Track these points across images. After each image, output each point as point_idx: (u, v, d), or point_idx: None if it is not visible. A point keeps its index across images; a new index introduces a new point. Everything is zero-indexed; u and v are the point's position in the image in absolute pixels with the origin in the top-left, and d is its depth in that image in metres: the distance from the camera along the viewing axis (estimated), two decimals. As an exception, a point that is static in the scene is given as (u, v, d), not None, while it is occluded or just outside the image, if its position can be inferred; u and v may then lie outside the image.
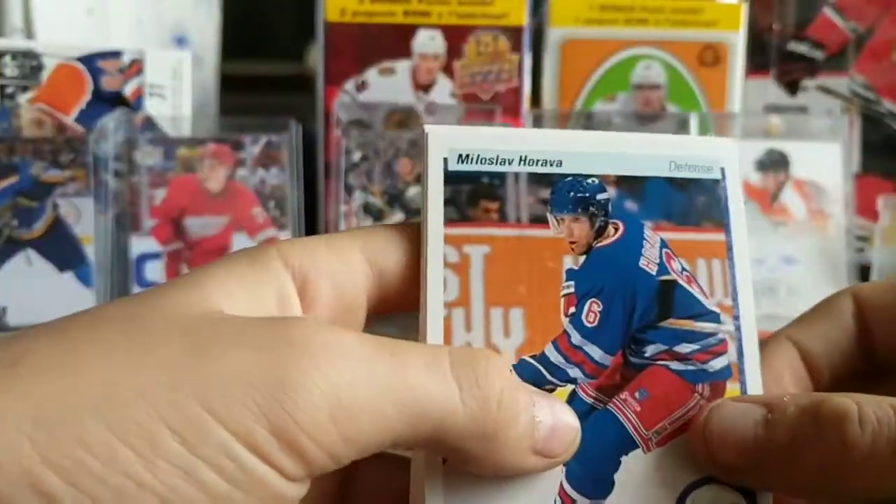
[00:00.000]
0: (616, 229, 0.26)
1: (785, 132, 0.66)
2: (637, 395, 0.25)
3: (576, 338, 0.25)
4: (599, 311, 0.25)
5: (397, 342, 0.22)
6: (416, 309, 0.24)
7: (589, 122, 0.65)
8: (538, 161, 0.25)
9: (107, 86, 0.60)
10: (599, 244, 0.25)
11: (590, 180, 0.26)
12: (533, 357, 0.24)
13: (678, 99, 0.66)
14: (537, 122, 0.64)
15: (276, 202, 0.60)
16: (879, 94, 0.69)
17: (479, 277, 0.25)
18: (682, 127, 0.64)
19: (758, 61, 0.71)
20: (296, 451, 0.19)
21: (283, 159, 0.60)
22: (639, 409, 0.25)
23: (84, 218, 0.57)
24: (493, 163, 0.25)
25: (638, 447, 0.25)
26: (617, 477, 0.24)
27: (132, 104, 0.60)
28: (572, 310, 0.25)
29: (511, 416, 0.22)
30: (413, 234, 0.25)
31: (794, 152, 0.64)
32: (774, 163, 0.64)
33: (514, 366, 0.24)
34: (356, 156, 0.62)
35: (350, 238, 0.24)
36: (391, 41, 0.64)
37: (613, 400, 0.25)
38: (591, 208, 0.26)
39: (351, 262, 0.24)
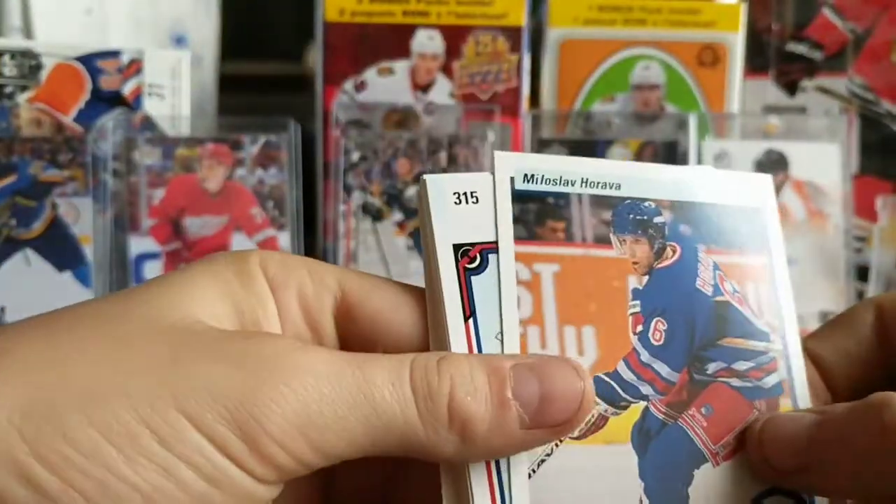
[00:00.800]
0: (674, 251, 0.27)
1: (783, 133, 0.66)
2: (703, 410, 0.26)
3: (645, 355, 0.26)
4: (664, 330, 0.26)
5: (366, 358, 0.22)
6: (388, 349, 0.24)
7: (588, 122, 0.65)
8: (599, 183, 0.27)
9: (105, 85, 0.60)
10: (659, 265, 0.27)
11: (647, 204, 0.27)
12: (607, 374, 0.25)
13: (677, 99, 0.66)
14: (536, 123, 0.64)
15: (274, 202, 0.60)
16: (878, 94, 0.70)
17: (551, 295, 0.25)
18: (680, 127, 0.64)
19: (756, 62, 0.71)
20: (266, 458, 0.21)
21: (281, 159, 0.60)
22: (705, 424, 0.26)
23: (83, 218, 0.57)
24: (557, 183, 0.26)
25: (707, 461, 0.26)
26: (690, 490, 0.25)
27: (131, 104, 0.60)
28: (640, 328, 0.26)
29: (467, 416, 0.22)
30: (398, 285, 0.25)
31: (793, 153, 0.64)
32: (773, 163, 0.64)
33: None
34: (355, 156, 0.62)
35: (329, 266, 0.25)
36: (390, 41, 0.64)
37: (682, 416, 0.26)
38: (650, 230, 0.27)
39: (321, 281, 0.24)
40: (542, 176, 0.26)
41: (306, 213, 0.61)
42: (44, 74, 0.59)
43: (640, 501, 0.25)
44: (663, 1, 0.65)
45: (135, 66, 0.60)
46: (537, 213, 0.26)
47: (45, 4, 0.61)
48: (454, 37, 0.64)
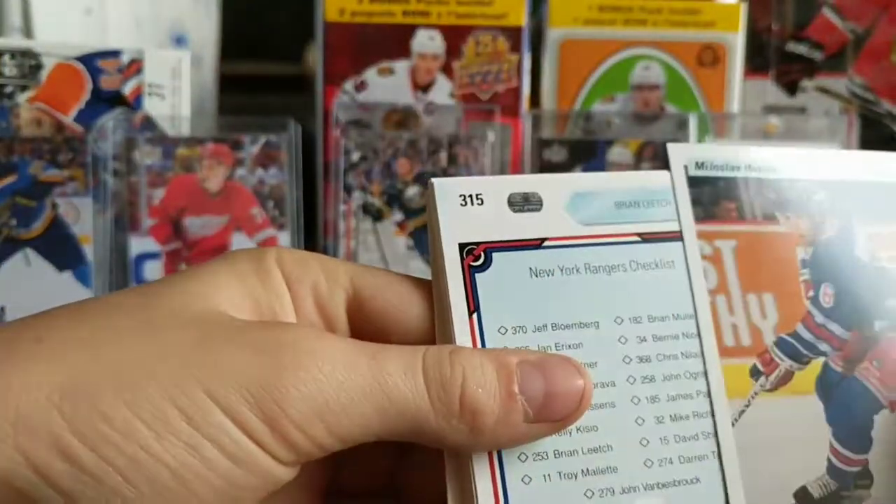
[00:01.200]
0: (833, 224, 0.30)
1: (783, 133, 0.66)
2: (875, 363, 0.29)
3: (819, 317, 0.29)
4: (833, 294, 0.30)
5: (379, 347, 0.24)
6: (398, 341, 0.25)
7: (588, 122, 0.65)
8: (760, 167, 0.30)
9: (106, 85, 0.60)
10: (822, 236, 0.30)
11: (806, 183, 0.30)
12: (788, 335, 0.29)
13: (677, 99, 0.66)
14: (536, 123, 0.64)
15: (275, 202, 0.60)
16: (878, 94, 0.70)
17: (733, 268, 0.29)
18: (681, 127, 0.64)
19: (756, 62, 0.71)
20: (285, 440, 0.22)
21: (282, 159, 0.60)
22: (878, 375, 0.29)
23: (83, 217, 0.57)
24: (724, 169, 0.30)
25: (884, 407, 0.29)
26: (874, 434, 0.29)
27: (131, 104, 0.60)
28: (811, 293, 0.29)
29: (476, 408, 0.23)
30: (407, 280, 0.27)
31: (793, 153, 0.64)
32: (773, 163, 0.64)
33: (774, 342, 0.28)
34: (355, 156, 0.62)
35: (342, 262, 0.27)
36: (390, 41, 0.64)
37: (857, 368, 0.29)
38: (810, 207, 0.30)
39: (334, 277, 0.26)
40: (711, 163, 0.29)
41: (306, 213, 0.61)
42: (44, 74, 0.59)
43: (831, 443, 0.28)
44: (663, 1, 0.65)
45: (135, 66, 0.60)
46: (711, 195, 0.29)
47: (44, 4, 0.61)
48: (454, 37, 0.64)
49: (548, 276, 0.27)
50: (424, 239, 0.61)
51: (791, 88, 0.72)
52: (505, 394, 0.23)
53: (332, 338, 0.23)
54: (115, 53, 0.60)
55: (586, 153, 0.63)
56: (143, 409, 0.21)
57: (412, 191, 0.62)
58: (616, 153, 0.64)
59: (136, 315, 0.23)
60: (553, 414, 0.24)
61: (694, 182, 0.29)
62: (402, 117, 0.64)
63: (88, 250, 0.57)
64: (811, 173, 0.31)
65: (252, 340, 0.22)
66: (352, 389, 0.22)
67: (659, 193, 0.29)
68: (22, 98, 0.58)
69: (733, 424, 0.27)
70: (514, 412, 0.24)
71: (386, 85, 0.64)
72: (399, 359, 0.23)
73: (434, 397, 0.23)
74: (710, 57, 0.66)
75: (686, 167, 0.29)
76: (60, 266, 0.57)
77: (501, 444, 0.24)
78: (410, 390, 0.23)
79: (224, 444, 0.21)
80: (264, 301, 0.25)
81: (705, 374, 0.27)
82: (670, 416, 0.26)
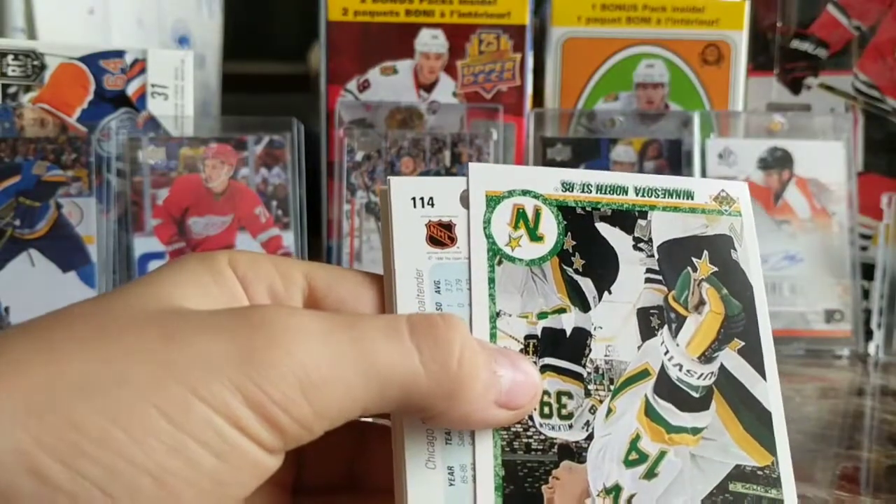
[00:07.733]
0: None
1: (788, 131, 0.66)
2: None
3: None
4: None
5: (356, 316, 0.23)
6: None
7: (591, 120, 0.65)
8: None
9: (109, 85, 0.60)
10: None
11: None
12: None
13: (681, 97, 0.66)
14: (539, 121, 0.64)
15: (278, 202, 0.60)
16: (883, 91, 0.69)
17: None
18: (684, 126, 0.64)
19: (761, 60, 0.71)
20: (272, 424, 0.21)
21: (285, 159, 0.60)
22: None
23: (87, 218, 0.57)
24: None
25: None
26: None
27: (135, 104, 0.60)
28: None
29: (472, 372, 0.23)
30: (360, 275, 0.26)
31: (798, 151, 0.64)
32: (778, 161, 0.64)
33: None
34: (358, 155, 0.62)
35: (295, 261, 0.26)
36: (393, 40, 0.64)
37: None
38: None
39: (288, 276, 0.25)
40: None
41: (310, 212, 0.61)
42: (47, 75, 0.59)
43: None
44: (667, -1, 0.65)
45: (138, 66, 0.60)
46: None
47: (47, 5, 0.61)
48: (457, 36, 0.64)
49: None
50: (428, 238, 0.61)
51: (795, 86, 0.71)
52: (490, 367, 0.23)
53: (304, 312, 0.23)
54: (118, 54, 0.60)
55: (590, 151, 0.63)
56: (120, 413, 0.19)
57: (416, 190, 0.62)
58: (620, 152, 0.63)
59: (91, 322, 0.21)
60: (516, 402, 0.24)
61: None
62: (405, 116, 0.64)
63: (92, 250, 0.57)
64: None
65: (220, 324, 0.21)
66: (333, 360, 0.21)
67: None
68: (25, 98, 0.58)
69: None
70: (493, 387, 0.23)
71: (389, 84, 0.64)
72: (381, 323, 0.22)
73: (427, 357, 0.22)
74: (714, 55, 0.66)
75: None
76: (64, 266, 0.57)
77: (473, 422, 0.24)
78: (396, 352, 0.22)
79: (209, 440, 0.20)
80: (222, 302, 0.24)
81: None
82: None
